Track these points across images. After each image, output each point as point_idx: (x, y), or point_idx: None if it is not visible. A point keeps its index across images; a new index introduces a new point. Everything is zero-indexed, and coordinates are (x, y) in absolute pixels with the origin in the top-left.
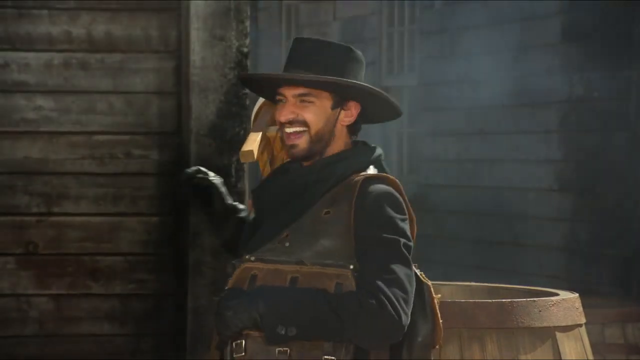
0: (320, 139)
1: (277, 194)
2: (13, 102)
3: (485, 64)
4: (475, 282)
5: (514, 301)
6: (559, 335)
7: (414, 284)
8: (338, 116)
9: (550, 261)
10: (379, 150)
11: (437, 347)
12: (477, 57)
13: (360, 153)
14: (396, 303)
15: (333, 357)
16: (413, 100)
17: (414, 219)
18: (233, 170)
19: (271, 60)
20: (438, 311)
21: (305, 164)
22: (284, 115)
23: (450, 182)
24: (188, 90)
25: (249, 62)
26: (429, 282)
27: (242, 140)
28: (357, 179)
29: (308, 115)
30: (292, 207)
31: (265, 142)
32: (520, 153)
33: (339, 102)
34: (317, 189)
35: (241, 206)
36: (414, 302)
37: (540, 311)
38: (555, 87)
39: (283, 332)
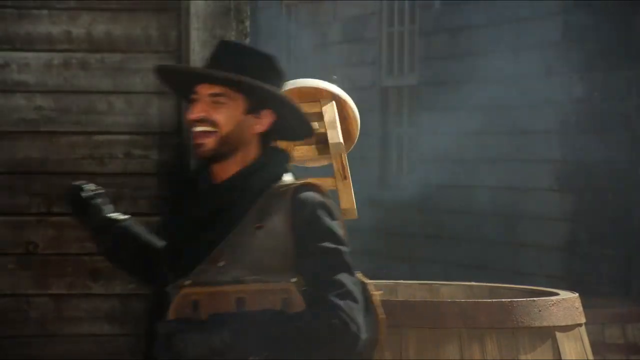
0: (229, 142)
1: (195, 211)
2: (13, 102)
3: (485, 64)
4: (475, 282)
5: (514, 301)
6: (559, 335)
7: (361, 289)
8: (250, 122)
9: (550, 261)
10: (286, 156)
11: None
12: (477, 57)
13: (275, 161)
14: (356, 318)
15: None
16: (413, 100)
17: (344, 221)
18: None
19: None
20: (378, 306)
21: (217, 176)
22: (194, 112)
23: (450, 182)
24: None
25: None
26: (368, 280)
27: None
28: (283, 189)
29: (219, 116)
30: (217, 224)
31: None
32: (520, 153)
33: (253, 108)
34: (240, 203)
35: (121, 217)
36: None
37: (540, 311)
38: (555, 87)
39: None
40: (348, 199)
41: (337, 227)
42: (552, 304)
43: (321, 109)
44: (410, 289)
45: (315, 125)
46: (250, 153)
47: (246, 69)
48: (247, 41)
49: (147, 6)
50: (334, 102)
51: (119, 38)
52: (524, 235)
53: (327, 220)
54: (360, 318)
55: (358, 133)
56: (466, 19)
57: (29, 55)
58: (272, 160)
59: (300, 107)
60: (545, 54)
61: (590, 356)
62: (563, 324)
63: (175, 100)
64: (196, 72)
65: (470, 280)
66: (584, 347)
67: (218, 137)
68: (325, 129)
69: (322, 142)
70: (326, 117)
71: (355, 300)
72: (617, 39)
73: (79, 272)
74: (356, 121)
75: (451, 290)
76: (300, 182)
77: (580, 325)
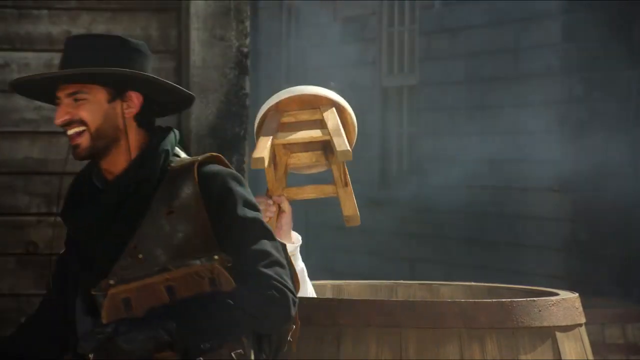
0: (103, 136)
1: (97, 212)
2: (13, 102)
3: (485, 64)
4: (475, 282)
5: (514, 301)
6: (559, 335)
7: (282, 251)
8: (118, 109)
9: (550, 261)
10: (174, 132)
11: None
12: (476, 57)
13: (161, 139)
14: (288, 284)
15: (240, 350)
16: (413, 100)
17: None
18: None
19: (271, 60)
20: (292, 264)
21: (109, 172)
22: (58, 117)
23: (450, 182)
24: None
25: (249, 62)
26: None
27: (242, 139)
28: (184, 168)
29: (83, 113)
30: (123, 220)
31: (272, 149)
32: (520, 153)
33: (117, 94)
34: (142, 193)
35: None
36: None
37: (540, 311)
38: (555, 87)
39: (208, 345)
40: (351, 206)
41: (250, 194)
42: (552, 304)
43: (322, 116)
44: (410, 289)
45: (318, 132)
46: (132, 139)
47: (94, 58)
48: (247, 41)
49: (147, 6)
50: (334, 109)
51: None
52: (524, 235)
53: (240, 189)
54: (290, 282)
55: (355, 139)
56: (466, 19)
57: (29, 55)
58: (159, 140)
59: (164, 79)
60: (545, 54)
61: (590, 356)
62: (563, 324)
63: None
64: (32, 79)
65: (470, 281)
66: (584, 347)
67: (89, 134)
68: (330, 136)
69: (323, 149)
70: (330, 124)
71: (282, 265)
72: (617, 39)
73: None
74: (354, 127)
75: (451, 290)
76: (200, 157)
77: (580, 325)
